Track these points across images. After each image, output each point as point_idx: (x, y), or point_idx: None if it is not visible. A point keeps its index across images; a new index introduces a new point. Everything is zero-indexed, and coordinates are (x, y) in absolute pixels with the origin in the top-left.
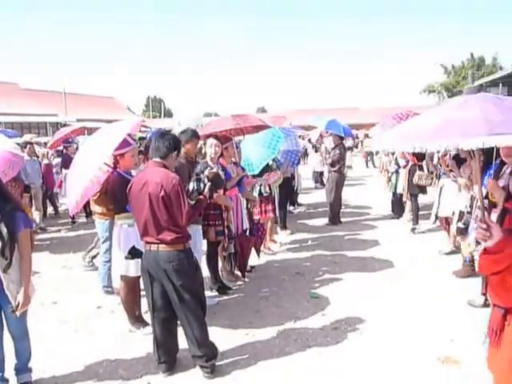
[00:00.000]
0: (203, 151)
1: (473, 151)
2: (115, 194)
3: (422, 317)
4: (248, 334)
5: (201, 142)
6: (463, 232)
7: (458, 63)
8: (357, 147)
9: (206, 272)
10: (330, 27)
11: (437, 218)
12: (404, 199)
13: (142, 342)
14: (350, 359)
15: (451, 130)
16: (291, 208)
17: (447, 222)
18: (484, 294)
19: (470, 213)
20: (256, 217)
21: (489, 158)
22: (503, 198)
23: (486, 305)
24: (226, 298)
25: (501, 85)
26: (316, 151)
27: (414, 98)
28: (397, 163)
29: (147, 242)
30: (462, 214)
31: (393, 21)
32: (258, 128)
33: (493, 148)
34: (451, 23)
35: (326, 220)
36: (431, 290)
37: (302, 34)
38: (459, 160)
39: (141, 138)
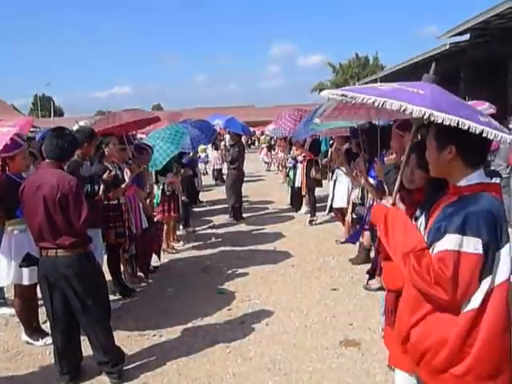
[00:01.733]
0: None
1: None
2: (4, 199)
3: (325, 304)
4: (155, 334)
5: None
6: (356, 222)
7: (345, 62)
8: (254, 144)
9: (108, 276)
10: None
11: (332, 209)
12: (303, 193)
13: (42, 353)
14: (257, 351)
15: (401, 94)
16: (193, 206)
17: (342, 213)
18: (369, 273)
19: (361, 204)
20: (158, 216)
21: (374, 152)
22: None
23: (381, 288)
24: (130, 300)
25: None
26: (216, 149)
27: (306, 96)
28: (294, 158)
29: (43, 248)
30: (354, 205)
31: (285, 22)
32: (150, 121)
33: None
34: (339, 23)
35: (227, 216)
36: (331, 278)
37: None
38: (350, 155)
39: (29, 139)
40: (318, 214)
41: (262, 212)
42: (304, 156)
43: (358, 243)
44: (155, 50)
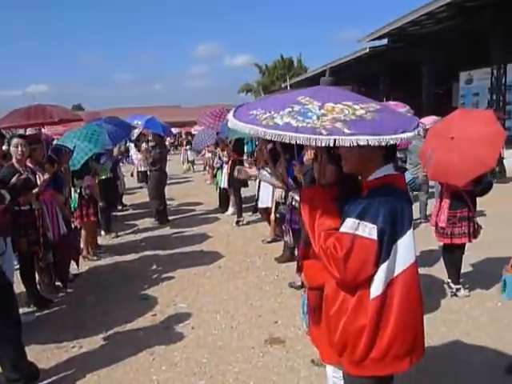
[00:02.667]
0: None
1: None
2: None
3: (250, 304)
4: (74, 346)
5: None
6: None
7: (271, 64)
8: (181, 145)
9: (21, 287)
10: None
11: (257, 209)
12: (230, 193)
13: None
14: (182, 356)
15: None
16: (116, 209)
17: (267, 212)
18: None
19: (284, 203)
20: (76, 221)
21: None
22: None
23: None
24: (47, 311)
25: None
26: (139, 150)
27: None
28: (220, 159)
29: None
30: (278, 204)
31: (210, 21)
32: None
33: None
34: (265, 24)
35: (152, 220)
36: (257, 277)
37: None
38: (275, 154)
39: None
40: (245, 214)
41: (189, 214)
42: (229, 156)
43: (283, 242)
44: (76, 48)
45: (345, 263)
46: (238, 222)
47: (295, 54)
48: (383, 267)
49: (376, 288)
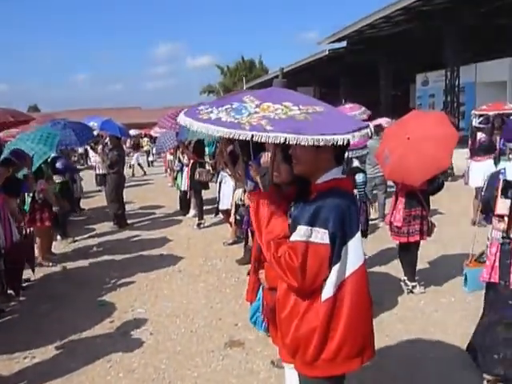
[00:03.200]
0: None
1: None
2: None
3: (211, 307)
4: (27, 357)
5: None
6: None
7: (233, 65)
8: (142, 147)
9: None
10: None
11: (219, 211)
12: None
13: None
14: (140, 362)
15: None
16: (73, 213)
17: (228, 214)
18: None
19: (243, 205)
20: (30, 226)
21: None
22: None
23: None
24: None
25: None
26: (96, 152)
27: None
28: (180, 161)
29: None
30: (237, 206)
31: (170, 21)
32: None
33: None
34: (225, 25)
35: (111, 224)
36: (218, 280)
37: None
38: (235, 156)
39: None
40: (206, 216)
41: (149, 217)
42: (189, 158)
43: (243, 244)
44: (33, 48)
45: (302, 272)
46: (199, 225)
47: (257, 55)
48: (334, 270)
49: (327, 290)
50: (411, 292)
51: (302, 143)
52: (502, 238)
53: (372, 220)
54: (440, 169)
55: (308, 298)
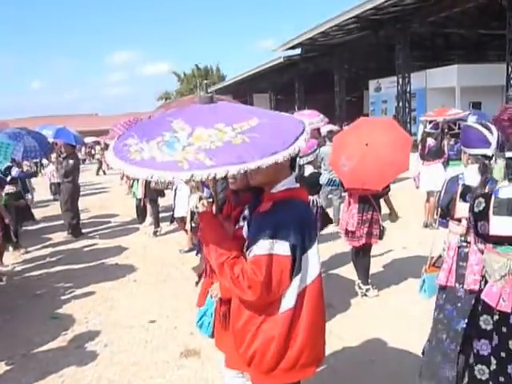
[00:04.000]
0: None
1: None
2: None
3: (166, 316)
4: None
5: None
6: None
7: (190, 72)
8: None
9: None
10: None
11: (174, 218)
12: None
13: None
14: (93, 375)
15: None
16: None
17: (183, 221)
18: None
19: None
20: None
21: None
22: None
23: None
24: None
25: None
26: (49, 161)
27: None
28: None
29: None
30: (193, 213)
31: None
32: None
33: None
34: (182, 32)
35: (65, 233)
36: (174, 288)
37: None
38: None
39: None
40: (162, 224)
41: (104, 226)
42: None
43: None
44: None
45: (267, 285)
46: (155, 233)
47: (213, 62)
48: (296, 281)
49: (287, 301)
50: (365, 295)
51: (242, 172)
52: (460, 241)
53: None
54: (400, 171)
55: (266, 308)
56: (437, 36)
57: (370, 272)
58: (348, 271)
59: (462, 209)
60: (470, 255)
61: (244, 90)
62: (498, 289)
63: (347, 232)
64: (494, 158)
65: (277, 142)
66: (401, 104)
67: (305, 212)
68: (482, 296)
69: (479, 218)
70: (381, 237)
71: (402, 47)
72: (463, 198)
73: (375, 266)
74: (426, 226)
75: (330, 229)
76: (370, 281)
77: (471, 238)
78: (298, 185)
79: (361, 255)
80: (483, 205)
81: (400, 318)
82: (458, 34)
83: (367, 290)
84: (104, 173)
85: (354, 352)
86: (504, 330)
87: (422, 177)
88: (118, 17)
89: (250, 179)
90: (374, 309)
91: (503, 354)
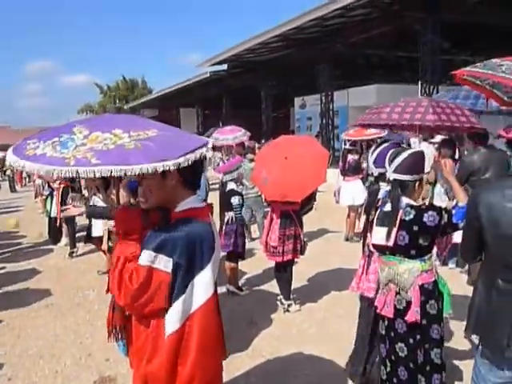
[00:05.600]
0: None
1: None
2: None
3: (80, 343)
4: None
5: None
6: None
7: (114, 84)
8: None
9: None
10: None
11: (91, 238)
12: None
13: None
14: None
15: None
16: None
17: (100, 241)
18: None
19: None
20: None
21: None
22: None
23: None
24: None
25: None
26: None
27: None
28: (49, 185)
29: None
30: (110, 232)
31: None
32: None
33: None
34: (105, 44)
35: None
36: (89, 312)
37: None
38: (107, 180)
39: None
40: (79, 244)
41: (16, 247)
42: (59, 182)
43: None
44: None
45: (137, 295)
46: (71, 254)
47: (140, 75)
48: (179, 302)
49: (172, 324)
50: (287, 310)
51: (128, 173)
52: (368, 250)
53: (254, 239)
54: (318, 184)
55: (154, 332)
56: (358, 56)
57: (293, 287)
58: (271, 286)
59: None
60: (371, 264)
61: (171, 104)
62: (384, 295)
63: (268, 247)
64: None
65: (168, 151)
66: (324, 121)
67: (202, 233)
68: (375, 302)
69: (370, 228)
70: (302, 252)
71: (324, 66)
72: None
73: (297, 281)
74: (347, 239)
75: (253, 244)
76: (292, 296)
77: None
78: (202, 204)
79: (283, 270)
80: (372, 217)
81: (322, 332)
82: (378, 55)
83: (289, 306)
84: (14, 189)
85: (276, 369)
86: (392, 334)
87: (343, 192)
88: (35, 25)
89: (143, 201)
90: (296, 324)
91: (393, 358)
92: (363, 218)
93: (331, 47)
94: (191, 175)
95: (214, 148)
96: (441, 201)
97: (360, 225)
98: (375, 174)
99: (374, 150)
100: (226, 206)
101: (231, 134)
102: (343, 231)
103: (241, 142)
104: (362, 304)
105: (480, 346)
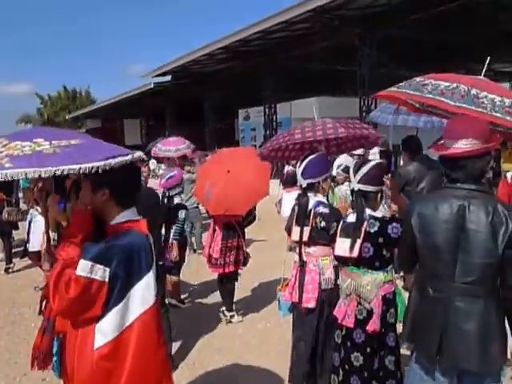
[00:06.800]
0: None
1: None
2: None
3: (15, 362)
4: None
5: None
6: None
7: (55, 94)
8: None
9: None
10: None
11: (27, 253)
12: None
13: None
14: None
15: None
16: None
17: (38, 256)
18: None
19: (56, 246)
20: None
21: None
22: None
23: None
24: None
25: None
26: None
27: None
28: None
29: None
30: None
31: None
32: None
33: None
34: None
35: None
36: (25, 330)
37: None
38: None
39: None
40: (15, 259)
41: None
42: None
43: None
44: None
45: (71, 305)
46: (6, 270)
47: (83, 85)
48: (114, 312)
49: (108, 334)
50: (230, 322)
51: (43, 175)
52: (300, 261)
53: (195, 251)
54: (261, 196)
55: (89, 342)
56: (301, 69)
57: (235, 298)
58: (214, 298)
59: (294, 232)
60: (306, 274)
61: (114, 115)
62: (345, 306)
63: (211, 259)
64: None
65: (89, 156)
66: (268, 132)
67: (140, 243)
68: (334, 312)
69: (332, 240)
70: (245, 263)
71: (268, 79)
72: (296, 222)
73: (240, 292)
74: (290, 249)
75: (195, 256)
76: (234, 307)
77: (307, 257)
78: (139, 217)
79: (225, 282)
80: (334, 228)
81: (264, 343)
82: (320, 68)
83: (232, 317)
84: None
85: (217, 381)
86: (348, 344)
87: (284, 202)
88: None
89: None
90: (239, 335)
91: (347, 367)
92: (295, 229)
93: (275, 60)
94: (123, 191)
95: (158, 159)
96: (383, 210)
97: (293, 236)
98: (304, 185)
99: (302, 162)
100: (171, 220)
101: (173, 146)
102: (286, 241)
103: (183, 155)
104: (295, 314)
105: (414, 353)
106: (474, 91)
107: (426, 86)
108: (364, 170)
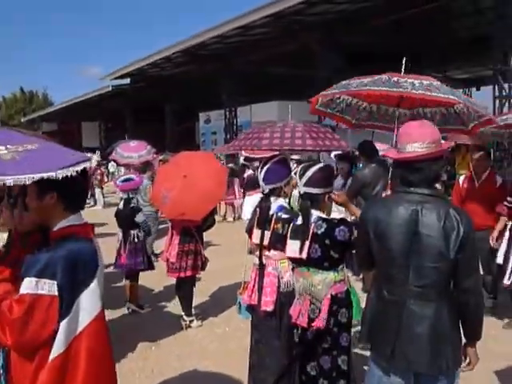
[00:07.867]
0: None
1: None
2: None
3: None
4: None
5: None
6: None
7: (10, 96)
8: None
9: None
10: None
11: None
12: None
13: None
14: None
15: None
16: None
17: None
18: None
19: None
20: None
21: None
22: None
23: None
24: None
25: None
26: None
27: None
28: None
29: None
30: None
31: None
32: None
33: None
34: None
35: None
36: None
37: None
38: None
39: None
40: None
41: None
42: None
43: None
44: None
45: (24, 325)
46: None
47: (39, 87)
48: (64, 324)
49: (58, 346)
50: (189, 327)
51: (7, 184)
52: (259, 263)
53: (155, 255)
54: (217, 201)
55: (37, 356)
56: (260, 73)
57: (195, 303)
58: (173, 303)
59: (255, 235)
60: (264, 277)
61: (72, 118)
62: (299, 305)
63: (169, 263)
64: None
65: (44, 165)
66: (229, 136)
67: (83, 249)
68: (290, 311)
69: (284, 241)
70: (203, 267)
71: (227, 82)
72: (258, 225)
73: (199, 296)
74: (250, 252)
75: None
76: (193, 311)
77: (267, 261)
78: (84, 221)
79: (183, 286)
80: (283, 230)
81: (223, 347)
82: (279, 72)
83: (191, 322)
84: None
85: None
86: (304, 342)
87: (245, 206)
88: None
89: (17, 224)
90: (198, 340)
91: (305, 367)
92: (256, 232)
93: (233, 64)
94: (71, 194)
95: (117, 163)
96: (339, 213)
97: (253, 239)
98: (266, 191)
99: (263, 167)
100: (128, 223)
101: (135, 153)
102: (246, 244)
103: (146, 161)
104: (254, 317)
105: (372, 353)
106: (394, 78)
107: (351, 84)
108: (309, 173)
